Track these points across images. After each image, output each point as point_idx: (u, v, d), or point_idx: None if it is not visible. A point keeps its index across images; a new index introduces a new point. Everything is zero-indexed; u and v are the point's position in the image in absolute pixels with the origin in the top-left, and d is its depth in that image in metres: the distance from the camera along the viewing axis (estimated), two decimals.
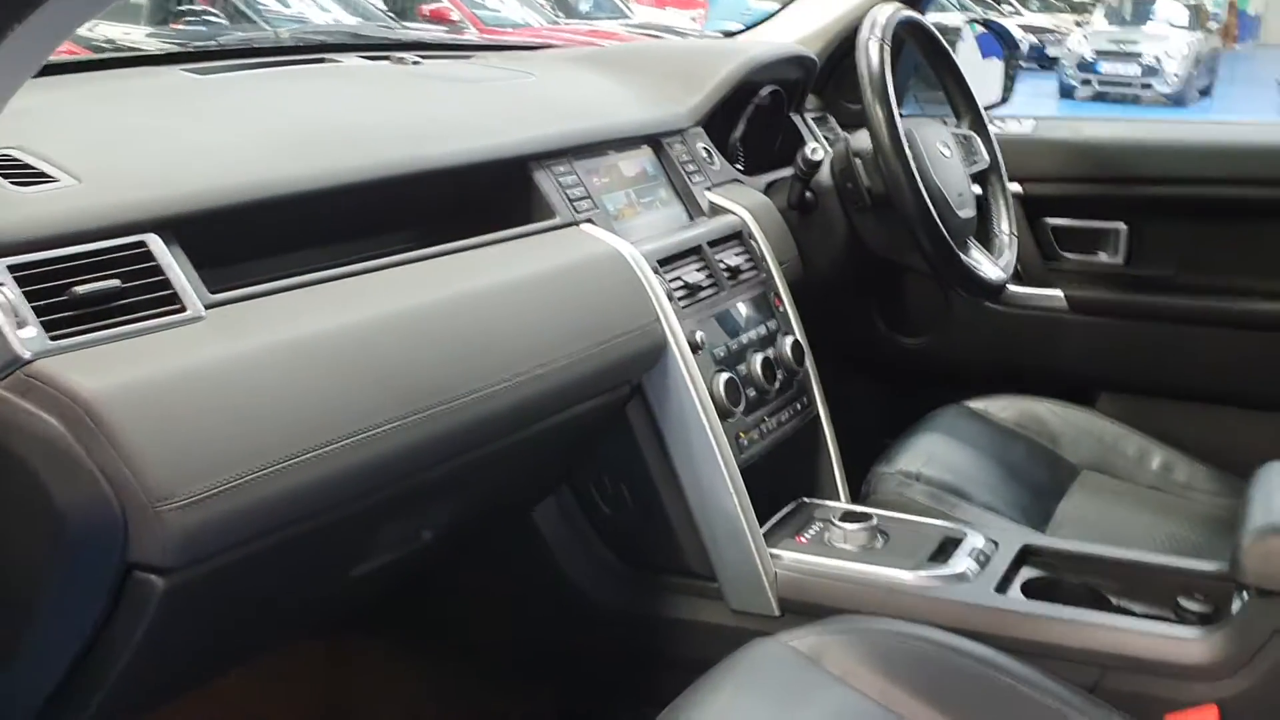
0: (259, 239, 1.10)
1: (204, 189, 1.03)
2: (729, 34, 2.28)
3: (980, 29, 2.27)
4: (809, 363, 1.59)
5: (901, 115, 1.58)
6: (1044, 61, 15.06)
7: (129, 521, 0.81)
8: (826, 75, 2.03)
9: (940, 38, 1.79)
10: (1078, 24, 15.77)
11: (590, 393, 1.25)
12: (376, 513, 1.05)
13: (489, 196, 1.35)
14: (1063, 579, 1.35)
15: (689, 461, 1.35)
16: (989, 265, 1.69)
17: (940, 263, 1.61)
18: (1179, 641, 1.20)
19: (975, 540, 1.39)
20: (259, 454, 0.88)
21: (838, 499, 1.58)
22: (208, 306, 0.95)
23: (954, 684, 1.05)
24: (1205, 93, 14.35)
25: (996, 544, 1.39)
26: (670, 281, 1.38)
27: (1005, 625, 1.25)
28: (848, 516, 1.42)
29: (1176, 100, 13.45)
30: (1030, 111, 2.17)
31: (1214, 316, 1.94)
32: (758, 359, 1.47)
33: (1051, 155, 2.02)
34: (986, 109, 1.88)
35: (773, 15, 2.14)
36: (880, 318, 2.08)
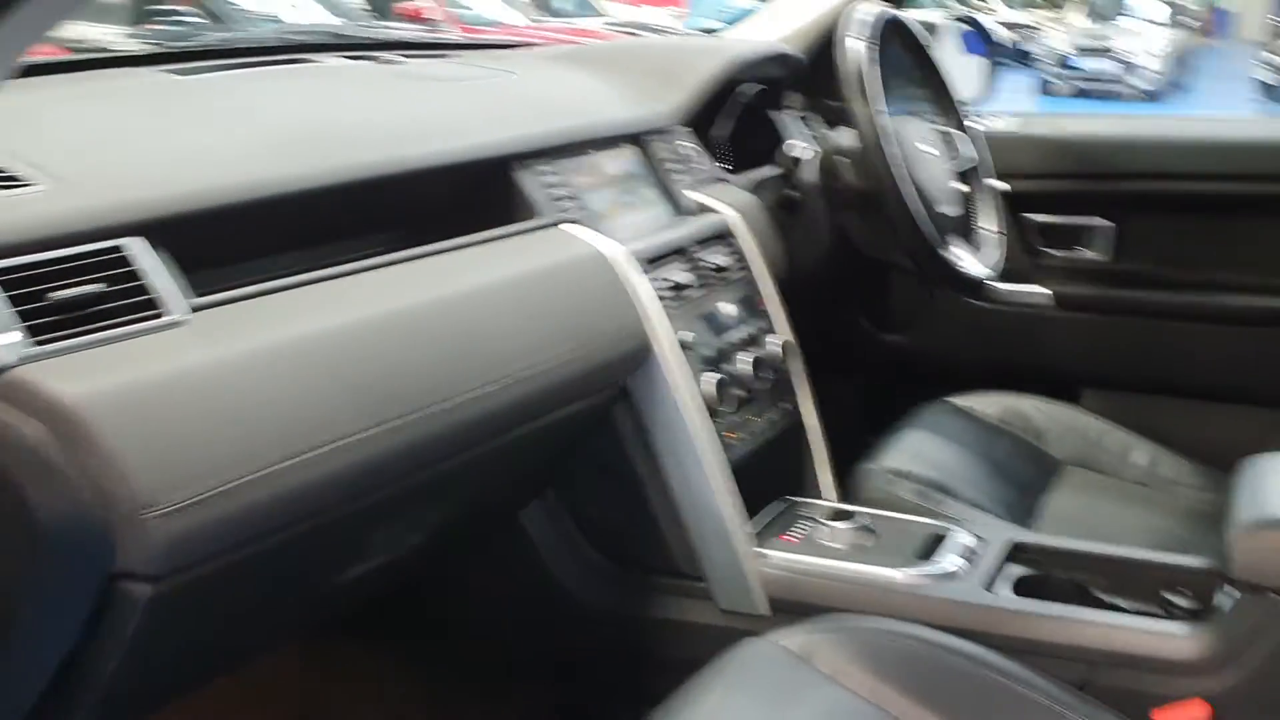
0: (243, 241, 1.09)
1: (186, 191, 1.02)
2: (710, 32, 2.27)
3: (961, 26, 2.27)
4: (796, 361, 1.58)
5: (884, 113, 1.58)
6: (1022, 58, 15.11)
7: (114, 529, 0.80)
8: (810, 72, 2.02)
9: (922, 35, 1.79)
10: (1055, 20, 15.83)
11: (577, 394, 1.25)
12: (363, 517, 1.05)
13: (472, 197, 1.34)
14: (1051, 575, 1.35)
15: (677, 462, 1.35)
16: (972, 262, 1.69)
17: (923, 260, 1.61)
18: (1168, 638, 1.20)
19: (963, 537, 1.39)
20: (245, 459, 0.87)
21: (825, 497, 1.58)
22: (192, 310, 0.94)
23: (944, 682, 1.04)
24: (1182, 88, 14.43)
25: (984, 541, 1.40)
26: (656, 282, 1.37)
27: (995, 623, 1.25)
28: (835, 515, 1.41)
29: (1155, 96, 13.54)
30: (1009, 108, 2.17)
31: (1198, 312, 1.94)
32: (745, 359, 1.46)
33: (1036, 152, 2.02)
34: (969, 106, 1.88)
35: (754, 13, 2.14)
36: (865, 315, 2.08)
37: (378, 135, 1.28)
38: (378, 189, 1.20)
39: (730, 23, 2.21)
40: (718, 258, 1.52)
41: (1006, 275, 1.96)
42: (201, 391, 0.88)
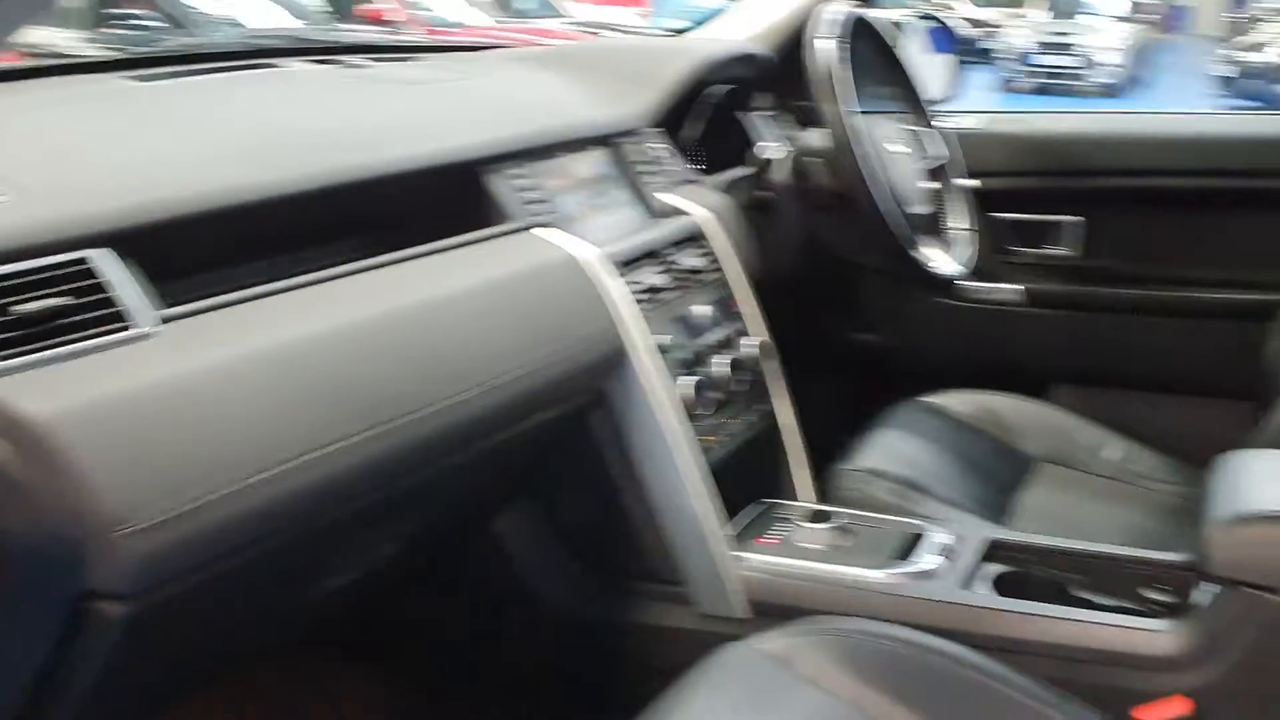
0: (211, 250, 1.07)
1: (152, 201, 0.99)
2: (678, 32, 2.26)
3: (927, 24, 2.28)
4: (772, 363, 1.58)
5: (855, 113, 1.58)
6: (983, 55, 15.22)
7: (84, 549, 0.79)
8: (779, 72, 2.02)
9: (889, 33, 1.79)
10: (1016, 17, 15.95)
11: (551, 400, 1.24)
12: (338, 529, 1.03)
13: (443, 201, 1.32)
14: (1029, 573, 1.36)
15: (654, 466, 1.34)
16: (943, 261, 1.70)
17: (895, 259, 1.61)
18: (1147, 634, 1.21)
19: (940, 536, 1.39)
20: (218, 474, 0.86)
21: (802, 499, 1.57)
22: (161, 322, 0.92)
23: (925, 683, 1.04)
24: (1142, 83, 14.59)
25: (961, 539, 1.40)
26: (631, 285, 1.36)
27: (974, 622, 1.25)
28: (813, 516, 1.41)
29: (1115, 91, 13.68)
30: (971, 105, 2.18)
31: (1168, 307, 1.96)
32: (721, 361, 1.46)
33: (1004, 149, 2.03)
34: (936, 104, 1.89)
35: (720, 13, 2.13)
36: (838, 316, 2.09)
37: (345, 140, 1.26)
38: (347, 195, 1.19)
39: (698, 22, 2.20)
40: (691, 260, 1.51)
41: (977, 273, 1.97)
42: (172, 405, 0.86)
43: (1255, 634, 1.14)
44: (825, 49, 1.56)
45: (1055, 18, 14.94)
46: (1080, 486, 1.72)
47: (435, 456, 1.09)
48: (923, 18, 2.28)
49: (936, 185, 1.75)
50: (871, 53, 1.81)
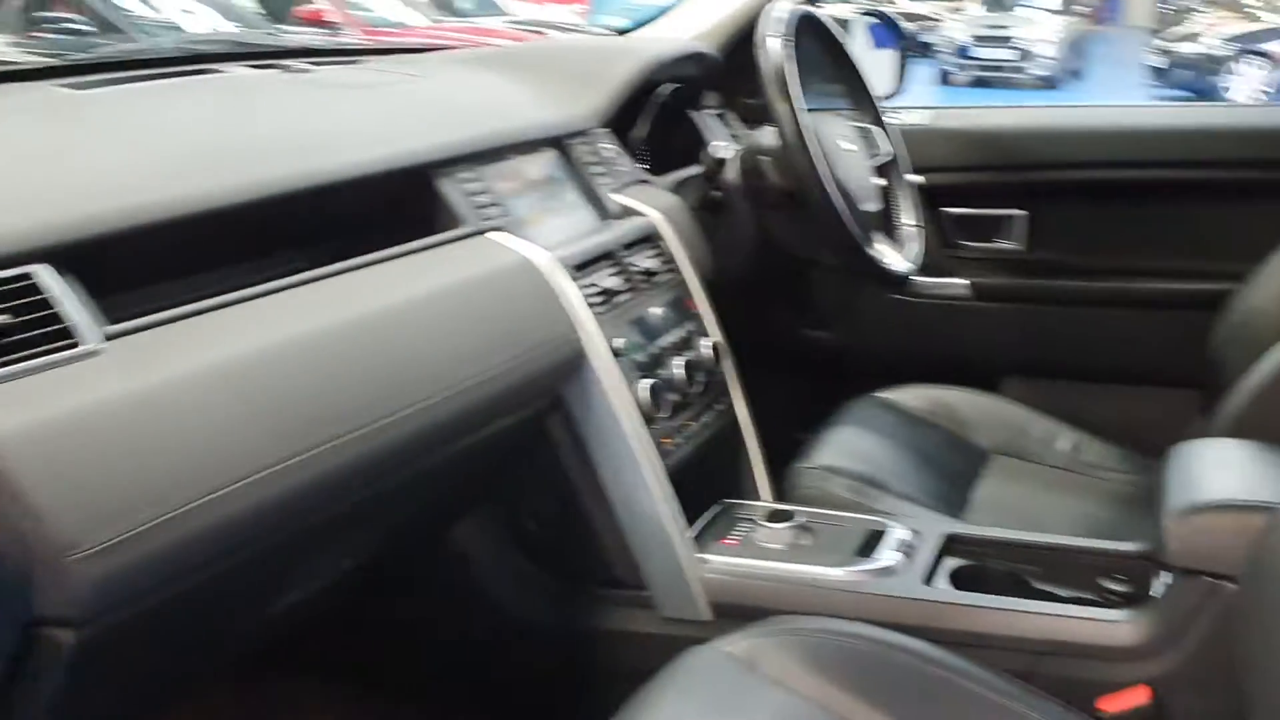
0: (155, 264, 1.04)
1: (92, 214, 0.96)
2: (621, 31, 2.25)
3: (870, 19, 2.28)
4: (728, 363, 1.58)
5: (805, 111, 1.58)
6: (922, 49, 15.36)
7: (33, 574, 0.76)
8: (724, 71, 2.02)
9: (837, 31, 1.79)
10: (953, 11, 16.11)
11: (509, 407, 1.22)
12: (295, 546, 1.01)
13: (394, 207, 1.30)
14: (987, 566, 1.36)
15: (614, 471, 1.33)
16: (895, 257, 1.70)
17: (847, 257, 1.61)
18: (1107, 625, 1.22)
19: (899, 532, 1.40)
20: (169, 494, 0.83)
21: (761, 498, 1.57)
22: (106, 338, 0.89)
23: (889, 680, 1.05)
24: (1077, 74, 14.80)
25: (919, 534, 1.40)
26: (586, 288, 1.35)
27: (935, 617, 1.26)
28: (772, 516, 1.41)
29: (1052, 82, 13.86)
30: (910, 99, 2.19)
31: (1113, 298, 1.98)
32: (678, 362, 1.45)
33: (950, 145, 2.04)
34: (883, 100, 1.89)
35: (662, 12, 2.12)
36: (791, 313, 2.09)
37: (290, 148, 1.24)
38: (294, 204, 1.16)
39: (639, 22, 2.19)
40: (646, 261, 1.51)
41: (926, 268, 1.98)
42: (121, 425, 0.84)
43: (1212, 622, 1.15)
44: (776, 48, 1.55)
45: (991, 11, 15.12)
46: (1034, 478, 1.73)
47: (393, 468, 1.07)
48: (866, 13, 2.29)
49: (885, 182, 1.76)
50: (819, 50, 1.81)
